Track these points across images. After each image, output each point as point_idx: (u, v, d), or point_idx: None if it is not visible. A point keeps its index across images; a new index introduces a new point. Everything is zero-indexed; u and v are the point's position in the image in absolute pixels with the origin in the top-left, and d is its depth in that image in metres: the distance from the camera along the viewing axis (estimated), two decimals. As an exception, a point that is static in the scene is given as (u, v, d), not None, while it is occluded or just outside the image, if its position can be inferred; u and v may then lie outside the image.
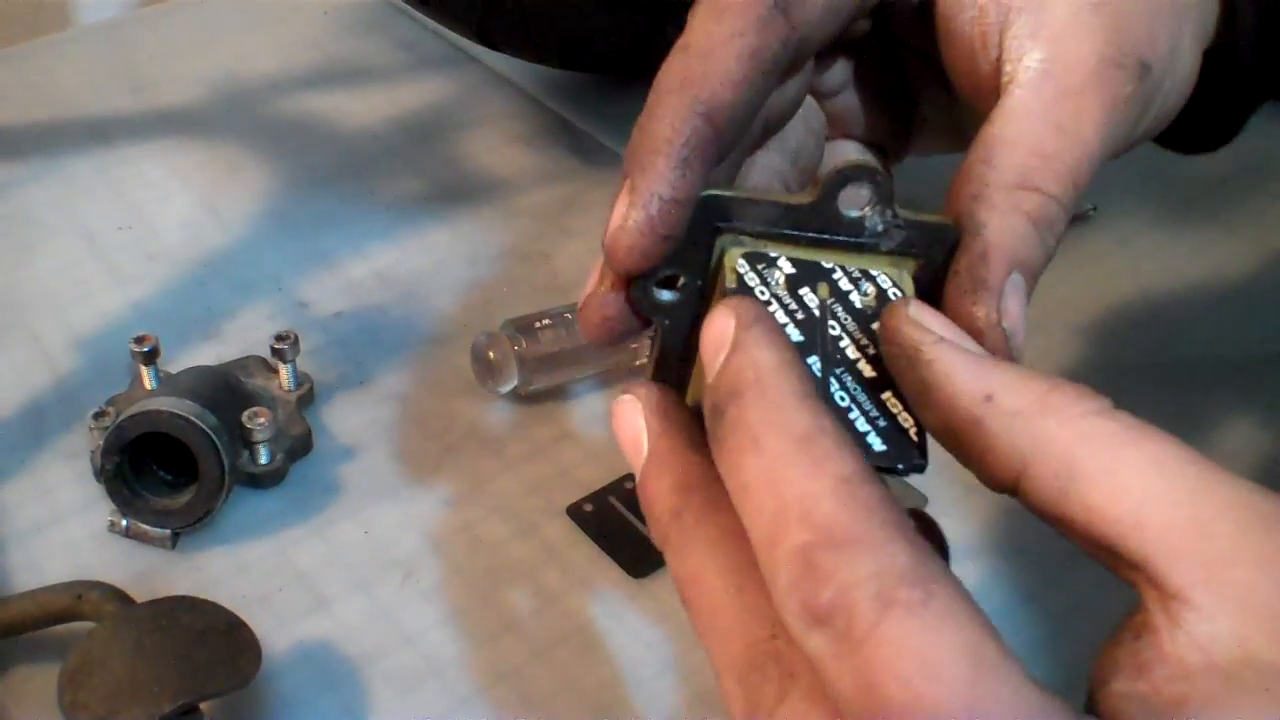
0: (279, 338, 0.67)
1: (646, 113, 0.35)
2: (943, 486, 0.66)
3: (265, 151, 0.90)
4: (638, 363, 0.70)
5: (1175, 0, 0.40)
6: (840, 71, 0.45)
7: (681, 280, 0.35)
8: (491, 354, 0.67)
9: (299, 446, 0.65)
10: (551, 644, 0.57)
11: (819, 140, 0.45)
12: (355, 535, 0.62)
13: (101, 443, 0.59)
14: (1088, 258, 0.84)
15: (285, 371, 0.67)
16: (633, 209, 0.34)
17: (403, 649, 0.57)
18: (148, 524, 0.60)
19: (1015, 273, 0.35)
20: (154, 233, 0.82)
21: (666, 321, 0.35)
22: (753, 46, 0.35)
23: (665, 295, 0.35)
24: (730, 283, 0.34)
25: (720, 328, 0.31)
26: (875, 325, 0.34)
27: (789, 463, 0.28)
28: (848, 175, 0.35)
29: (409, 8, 0.94)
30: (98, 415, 0.63)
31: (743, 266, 0.34)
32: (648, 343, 0.71)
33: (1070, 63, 0.37)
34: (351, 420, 0.69)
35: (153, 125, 0.92)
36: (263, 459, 0.63)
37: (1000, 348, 0.34)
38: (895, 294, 0.35)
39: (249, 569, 0.61)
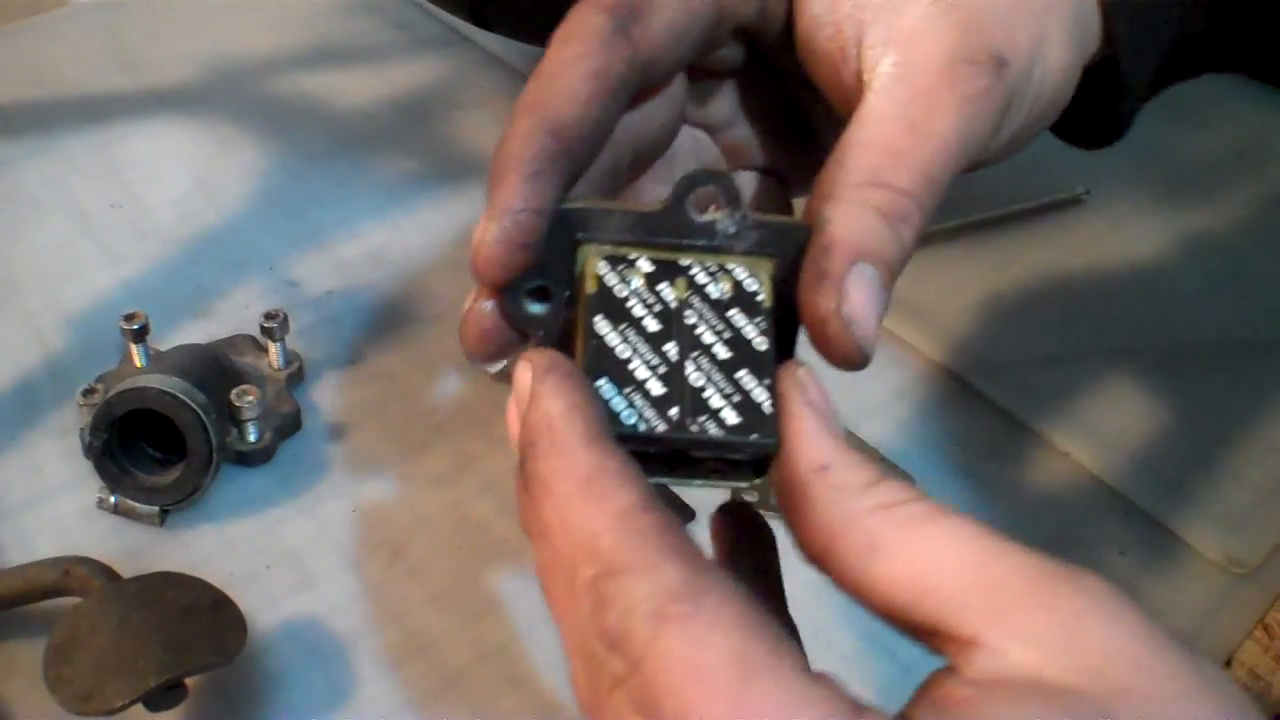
0: (268, 316, 0.67)
1: (502, 135, 0.37)
2: (929, 470, 0.67)
3: (258, 130, 0.89)
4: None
5: (1039, 4, 0.41)
6: (726, 103, 0.46)
7: (550, 291, 0.37)
8: (481, 333, 0.67)
9: (288, 425, 0.66)
10: (537, 622, 0.58)
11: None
12: (343, 513, 0.63)
13: (90, 419, 0.59)
14: (1080, 241, 0.84)
15: (275, 350, 0.67)
16: (490, 223, 0.36)
17: (389, 626, 0.58)
18: (136, 501, 0.60)
19: (862, 263, 0.36)
20: (146, 211, 0.82)
21: (540, 333, 0.37)
22: (595, 67, 0.37)
23: (535, 308, 0.37)
24: (590, 287, 0.36)
25: (521, 380, 0.34)
26: (732, 312, 0.36)
27: (575, 504, 0.31)
28: (694, 180, 0.36)
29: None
30: (87, 392, 0.63)
31: (603, 269, 0.36)
32: None
33: (921, 63, 0.38)
34: (341, 399, 0.69)
35: (147, 104, 0.92)
36: (251, 437, 0.63)
37: (841, 334, 0.35)
38: (751, 284, 0.36)
39: (237, 546, 0.61)
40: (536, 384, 0.33)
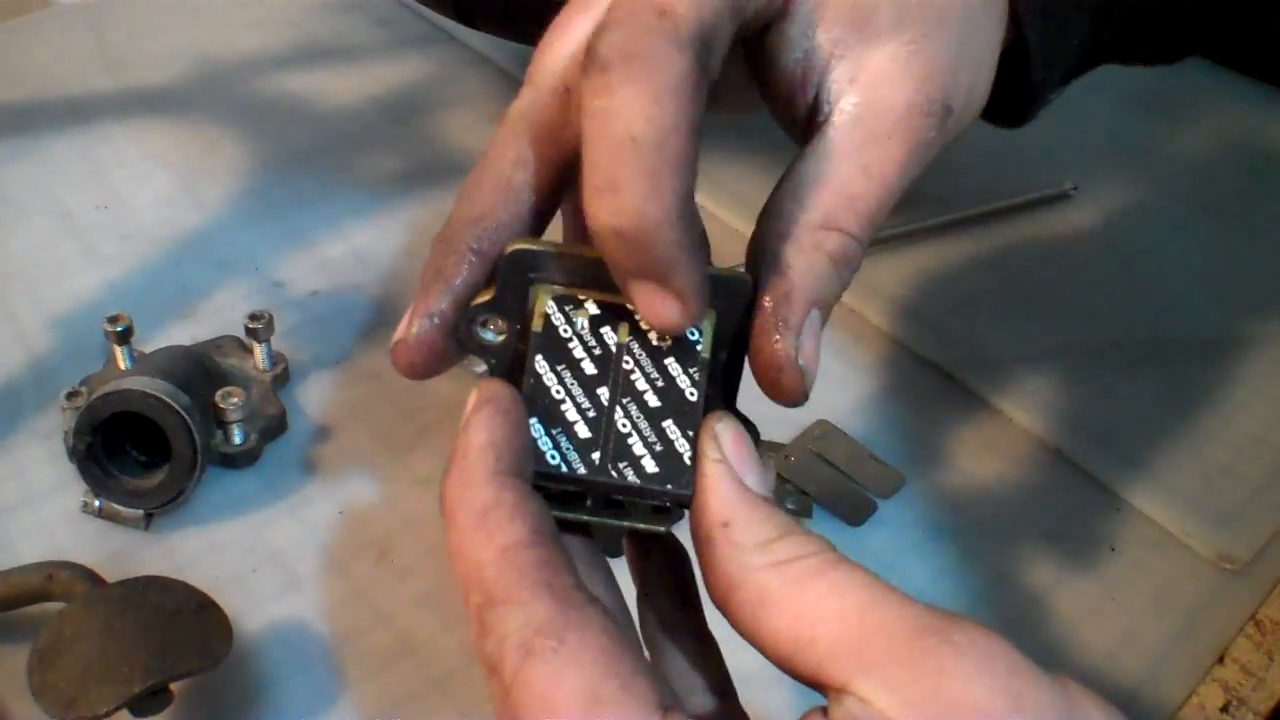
0: (253, 317, 0.66)
1: (438, 239, 0.39)
2: (919, 467, 0.67)
3: (243, 131, 0.89)
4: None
5: (980, 35, 0.43)
6: None
7: (504, 323, 0.38)
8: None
9: (273, 426, 0.65)
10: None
11: None
12: (329, 515, 0.62)
13: (74, 422, 0.59)
14: (1068, 237, 0.84)
15: (260, 351, 0.67)
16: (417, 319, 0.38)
17: (377, 629, 0.57)
18: (120, 504, 0.60)
19: (814, 310, 0.38)
20: (131, 212, 0.81)
21: (493, 360, 0.38)
22: (691, 121, 0.35)
23: (489, 336, 0.38)
24: (536, 325, 0.37)
25: (468, 406, 0.36)
26: (669, 360, 0.37)
27: (470, 534, 0.33)
28: None
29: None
30: (71, 395, 0.63)
31: (551, 308, 0.37)
32: None
33: (881, 109, 0.40)
34: (327, 400, 0.68)
35: (131, 105, 0.91)
36: (236, 439, 0.63)
37: (794, 379, 0.37)
38: (692, 334, 0.37)
39: (223, 549, 0.60)
40: (472, 412, 0.35)
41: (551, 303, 0.37)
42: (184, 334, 0.71)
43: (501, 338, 0.38)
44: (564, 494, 0.37)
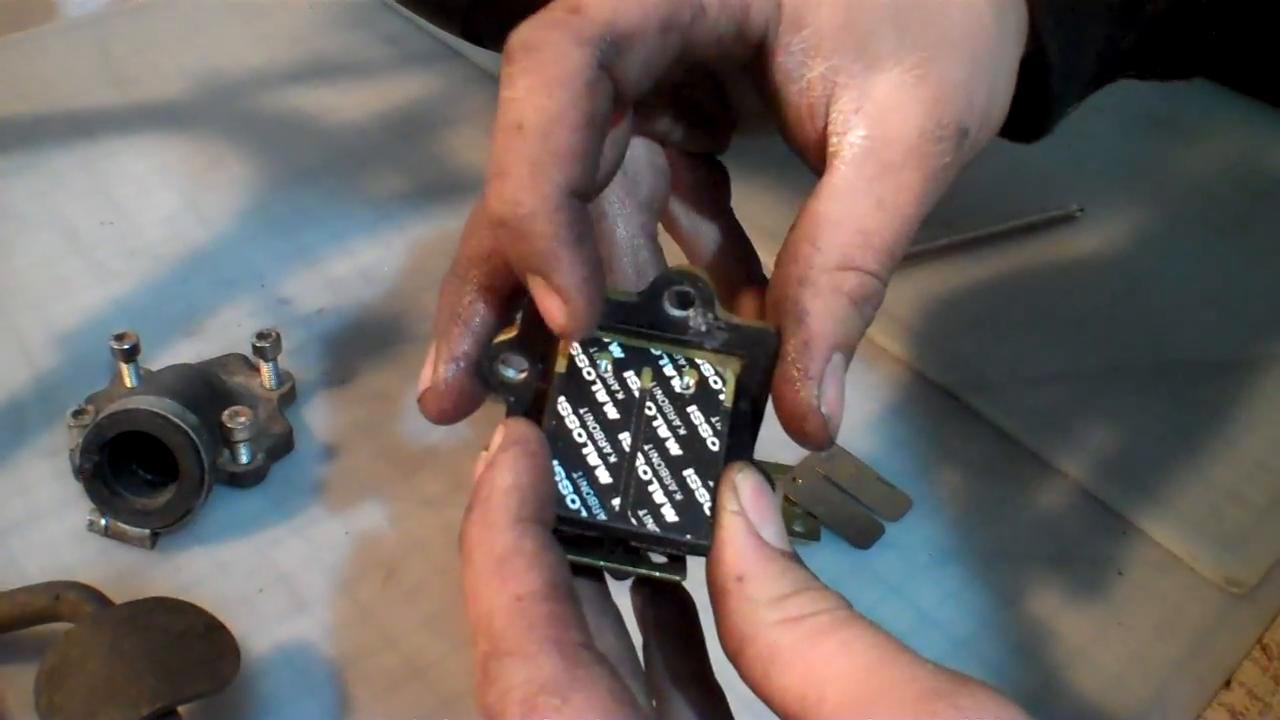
0: (260, 335, 0.66)
1: (448, 279, 0.40)
2: (925, 489, 0.67)
3: (248, 147, 0.89)
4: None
5: (995, 53, 0.42)
6: (666, 113, 0.45)
7: (527, 361, 0.38)
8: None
9: (280, 445, 0.65)
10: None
11: (666, 180, 0.45)
12: (336, 535, 0.62)
13: (80, 441, 0.59)
14: (1074, 259, 0.84)
15: (267, 370, 0.67)
16: (441, 365, 0.39)
17: (384, 650, 0.57)
18: (127, 523, 0.60)
19: (836, 354, 0.38)
20: (136, 228, 0.81)
21: (512, 399, 0.38)
22: (584, 115, 0.35)
23: (510, 373, 0.38)
24: (560, 366, 0.37)
25: (492, 444, 0.35)
26: (692, 409, 0.37)
27: (485, 579, 0.32)
28: (669, 280, 0.37)
29: (394, 3, 0.94)
30: (77, 413, 0.63)
31: (576, 350, 0.37)
32: None
33: (891, 139, 0.39)
34: (333, 419, 0.68)
35: (136, 120, 0.91)
36: (243, 458, 0.63)
37: (818, 428, 0.37)
38: (715, 382, 0.37)
39: (229, 569, 0.60)
40: (499, 452, 0.34)
41: (576, 344, 0.37)
42: (190, 351, 0.71)
43: (523, 376, 0.38)
44: (581, 538, 0.36)
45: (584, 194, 0.35)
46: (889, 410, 0.72)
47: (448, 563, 0.61)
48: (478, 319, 0.39)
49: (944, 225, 0.83)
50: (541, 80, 0.34)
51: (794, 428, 0.38)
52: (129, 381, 0.65)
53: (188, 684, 0.49)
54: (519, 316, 0.38)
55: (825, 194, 0.39)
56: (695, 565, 0.36)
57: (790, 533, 0.62)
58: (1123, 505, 0.67)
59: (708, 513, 0.36)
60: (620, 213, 0.44)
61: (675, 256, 0.45)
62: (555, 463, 0.36)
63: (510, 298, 0.39)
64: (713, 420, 0.37)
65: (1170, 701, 0.59)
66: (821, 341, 0.37)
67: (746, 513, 0.35)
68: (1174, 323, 0.79)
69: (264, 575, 0.60)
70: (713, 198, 0.46)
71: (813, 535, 0.63)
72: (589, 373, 0.37)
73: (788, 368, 0.37)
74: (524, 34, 0.35)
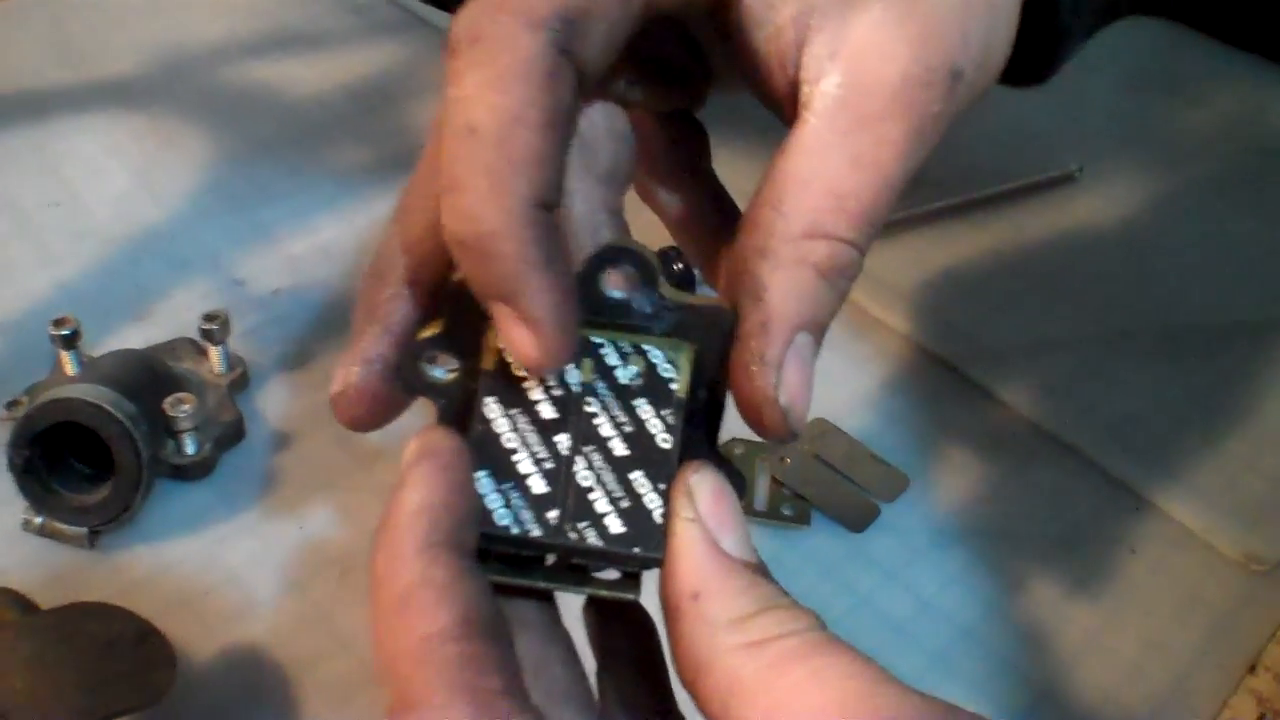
0: (208, 317, 0.62)
1: (368, 273, 0.36)
2: (924, 467, 0.64)
3: (206, 122, 0.85)
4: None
5: None
6: (624, 73, 0.40)
7: (455, 358, 0.34)
8: (438, 332, 0.62)
9: (229, 434, 0.61)
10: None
11: (630, 147, 0.40)
12: (289, 531, 0.58)
13: (11, 434, 0.54)
14: (1073, 221, 0.81)
15: (215, 354, 0.63)
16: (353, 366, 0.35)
17: (339, 655, 0.53)
18: (63, 521, 0.56)
19: (801, 334, 0.33)
20: (85, 210, 0.77)
21: (442, 401, 0.34)
22: (547, 117, 0.31)
23: (438, 373, 0.34)
24: (487, 363, 0.33)
25: (404, 459, 0.31)
26: (639, 402, 0.33)
27: (389, 619, 0.29)
28: (604, 258, 0.33)
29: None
30: (10, 404, 0.59)
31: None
32: None
33: (870, 86, 0.34)
34: (288, 405, 0.64)
35: (88, 98, 0.87)
36: (189, 449, 0.59)
37: (777, 423, 0.33)
38: (665, 370, 0.33)
39: (173, 569, 0.56)
40: (406, 469, 0.30)
41: None
42: (138, 337, 0.67)
43: (453, 376, 0.34)
44: (518, 556, 0.32)
45: (551, 204, 0.31)
46: (883, 384, 0.68)
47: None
48: (396, 318, 0.34)
49: (935, 187, 0.80)
50: (493, 74, 0.30)
51: (751, 418, 0.34)
52: (70, 369, 0.62)
53: (117, 698, 0.45)
54: (445, 308, 0.33)
55: (792, 150, 0.34)
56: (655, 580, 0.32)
57: (778, 516, 0.58)
58: (1134, 479, 0.64)
59: (658, 521, 0.32)
60: (577, 188, 0.39)
61: (654, 230, 0.41)
62: (484, 474, 0.32)
63: (438, 292, 0.35)
64: (663, 414, 0.33)
65: (1192, 689, 0.56)
66: (781, 321, 0.33)
67: (703, 519, 0.31)
68: (1181, 286, 0.76)
69: (211, 575, 0.56)
70: (690, 161, 0.41)
71: (802, 519, 0.59)
72: (519, 369, 0.33)
73: (742, 351, 0.33)
74: (467, 22, 0.31)
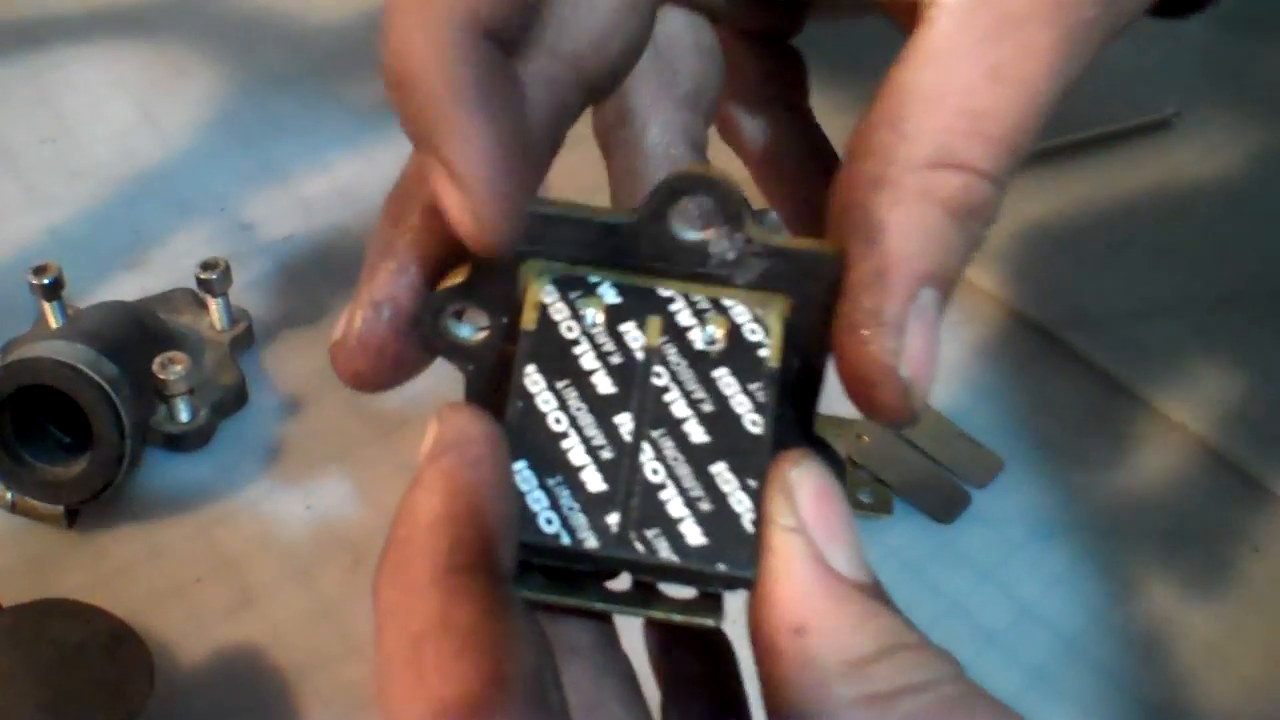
0: (205, 265, 0.57)
1: (390, 198, 0.30)
2: (1022, 451, 0.58)
3: (214, 52, 0.80)
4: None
5: None
6: None
7: (486, 314, 0.29)
8: (467, 285, 0.56)
9: (229, 400, 0.56)
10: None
11: (718, 69, 0.36)
12: (295, 510, 0.54)
13: (-20, 397, 0.49)
14: (1168, 171, 0.76)
15: (215, 307, 0.58)
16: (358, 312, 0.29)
17: (348, 658, 0.48)
18: (36, 498, 0.50)
19: (926, 288, 0.28)
20: (81, 147, 0.73)
21: (471, 366, 0.29)
22: None
23: (463, 332, 0.29)
24: (529, 322, 0.28)
25: (422, 449, 0.26)
26: (720, 373, 0.27)
27: (395, 670, 0.23)
28: (677, 187, 0.28)
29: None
30: (-16, 362, 0.53)
31: (549, 296, 0.28)
32: None
33: None
34: (297, 366, 0.60)
35: (89, 24, 0.82)
36: (182, 416, 0.54)
37: (894, 401, 0.27)
38: (753, 332, 0.28)
39: (162, 553, 0.51)
40: (424, 464, 0.25)
41: (550, 287, 0.28)
42: (134, 287, 0.63)
43: (482, 335, 0.29)
44: (563, 573, 0.26)
45: (503, 34, 0.27)
46: (972, 352, 0.62)
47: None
48: (416, 255, 0.29)
49: None
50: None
51: (859, 393, 0.28)
52: (53, 322, 0.57)
53: (83, 714, 0.39)
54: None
55: (916, 59, 0.28)
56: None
57: (855, 504, 0.52)
58: (1254, 465, 0.58)
59: (749, 529, 0.26)
60: (651, 111, 0.35)
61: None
62: (523, 465, 0.26)
63: None
64: (753, 388, 0.27)
65: (1327, 711, 0.50)
66: (903, 270, 0.27)
67: (808, 528, 0.25)
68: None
69: (204, 561, 0.51)
70: (783, 94, 0.37)
71: (884, 507, 0.54)
72: (569, 328, 0.27)
73: (852, 308, 0.27)
74: None
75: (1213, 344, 0.64)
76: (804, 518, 0.25)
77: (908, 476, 0.55)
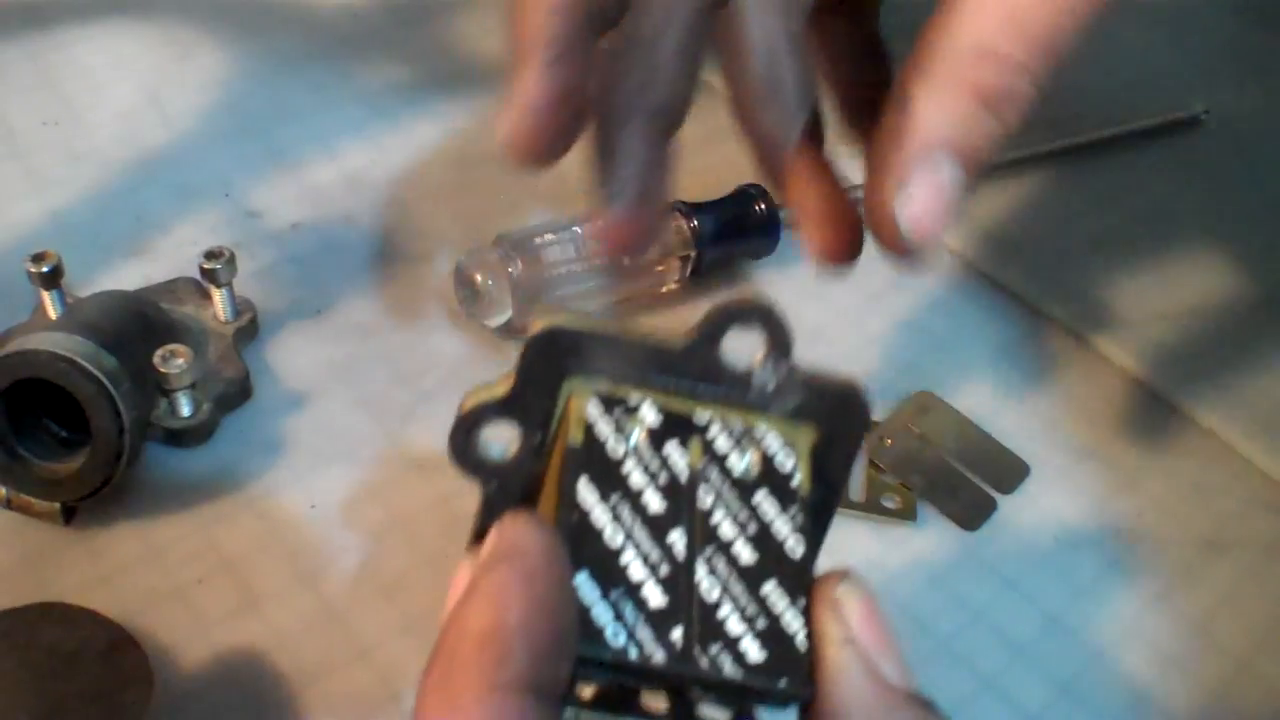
0: (210, 255, 0.54)
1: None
2: (1048, 456, 0.56)
3: (222, 33, 0.78)
4: (664, 289, 0.58)
5: None
6: None
7: (520, 432, 0.29)
8: (479, 277, 0.56)
9: (233, 394, 0.53)
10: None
11: None
12: (300, 509, 0.51)
13: (-26, 390, 0.47)
14: (1201, 168, 0.75)
15: (219, 297, 0.55)
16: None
17: (355, 665, 0.46)
18: (32, 495, 0.48)
19: (938, 153, 0.31)
20: (84, 130, 0.70)
21: (494, 483, 0.30)
22: None
23: (494, 449, 0.29)
24: (576, 437, 0.28)
25: (480, 555, 0.26)
26: (759, 497, 0.28)
27: None
28: (732, 314, 0.29)
29: None
30: (-19, 353, 0.51)
31: (594, 414, 0.29)
32: (677, 262, 0.57)
33: None
34: (304, 359, 0.57)
35: (94, 5, 0.80)
36: (184, 410, 0.51)
37: (893, 244, 0.32)
38: (784, 461, 0.29)
39: (162, 553, 0.49)
40: (479, 573, 0.24)
41: (594, 404, 0.28)
42: (136, 274, 0.60)
43: (512, 453, 0.29)
44: (609, 689, 0.26)
45: (606, 18, 0.32)
46: (998, 353, 0.60)
47: (440, 547, 0.49)
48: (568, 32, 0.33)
49: (1047, 128, 0.73)
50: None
51: (869, 224, 0.32)
52: (52, 312, 0.55)
53: None
54: (523, 363, 0.29)
55: None
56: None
57: (878, 510, 0.50)
58: None
59: (801, 647, 0.26)
60: (754, 8, 0.37)
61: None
62: (584, 577, 0.26)
63: None
64: (790, 513, 0.28)
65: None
66: (919, 130, 0.31)
67: (859, 642, 0.26)
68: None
69: (205, 561, 0.49)
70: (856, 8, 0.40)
71: (907, 514, 0.51)
72: (615, 447, 0.28)
73: (874, 153, 0.32)
74: None
75: (1245, 347, 0.62)
76: (855, 632, 0.26)
77: (931, 481, 0.52)
